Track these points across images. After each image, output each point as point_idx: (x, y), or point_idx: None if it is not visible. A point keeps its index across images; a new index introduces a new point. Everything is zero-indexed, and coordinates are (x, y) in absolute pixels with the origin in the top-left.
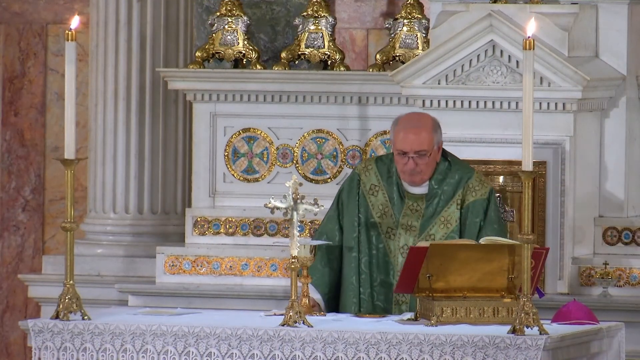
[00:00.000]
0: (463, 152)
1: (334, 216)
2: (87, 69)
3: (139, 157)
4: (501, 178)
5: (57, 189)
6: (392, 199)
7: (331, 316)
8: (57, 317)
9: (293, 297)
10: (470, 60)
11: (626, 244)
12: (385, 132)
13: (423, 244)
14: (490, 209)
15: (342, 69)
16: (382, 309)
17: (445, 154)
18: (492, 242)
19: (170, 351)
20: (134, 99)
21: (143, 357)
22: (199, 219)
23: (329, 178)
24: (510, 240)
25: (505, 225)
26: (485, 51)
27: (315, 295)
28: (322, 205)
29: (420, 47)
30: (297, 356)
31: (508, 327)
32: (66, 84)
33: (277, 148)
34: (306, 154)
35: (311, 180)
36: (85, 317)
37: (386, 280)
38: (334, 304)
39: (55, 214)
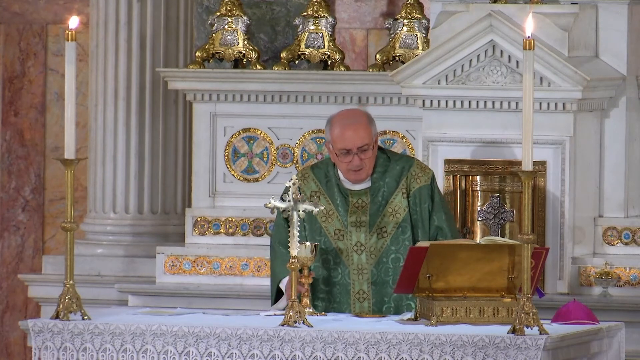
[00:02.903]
0: (463, 152)
1: (284, 225)
2: (87, 69)
3: (139, 157)
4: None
5: (57, 189)
6: (335, 200)
7: (331, 316)
8: (57, 317)
9: (293, 297)
10: (470, 60)
11: (626, 244)
12: (385, 132)
13: (423, 244)
14: (434, 194)
15: (342, 69)
16: (338, 312)
17: (381, 149)
18: (492, 242)
19: (170, 351)
20: (134, 99)
21: (143, 357)
22: (199, 219)
23: None
24: (510, 240)
25: (450, 209)
26: (485, 51)
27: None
28: (322, 206)
29: (420, 47)
30: (297, 356)
31: (508, 327)
32: (66, 84)
33: (277, 148)
34: (306, 154)
35: None
36: (85, 317)
37: (341, 282)
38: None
39: (55, 214)
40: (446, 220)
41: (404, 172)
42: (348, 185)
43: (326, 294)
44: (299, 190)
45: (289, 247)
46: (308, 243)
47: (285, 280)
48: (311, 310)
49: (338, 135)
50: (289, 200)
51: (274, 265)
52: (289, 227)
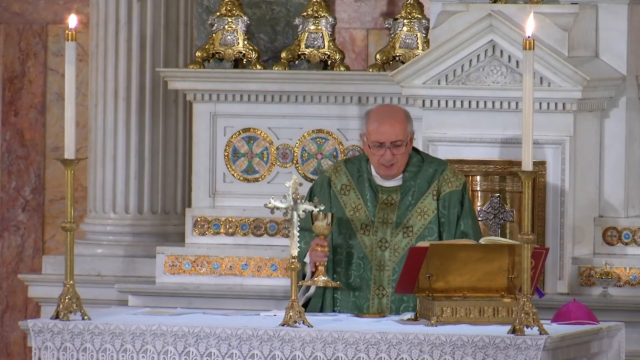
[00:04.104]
0: (463, 152)
1: (308, 215)
2: (87, 69)
3: (139, 157)
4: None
5: (57, 189)
6: (365, 195)
7: (331, 316)
8: (57, 317)
9: (293, 297)
10: (470, 60)
11: (626, 244)
12: None
13: (423, 244)
14: (465, 200)
15: (342, 69)
16: (357, 306)
17: (415, 149)
18: (492, 242)
19: (170, 351)
20: (134, 99)
21: (143, 357)
22: (199, 219)
23: None
24: (510, 240)
25: (476, 217)
26: (485, 51)
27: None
28: (323, 206)
29: (420, 47)
30: (297, 356)
31: (508, 327)
32: (66, 84)
33: (277, 148)
34: (306, 154)
35: (311, 180)
36: (85, 317)
37: (363, 276)
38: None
39: (55, 214)
40: (472, 226)
41: (436, 175)
42: (379, 181)
43: (347, 286)
44: (330, 184)
45: (311, 227)
46: (326, 214)
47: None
48: (326, 278)
49: (374, 128)
50: (289, 200)
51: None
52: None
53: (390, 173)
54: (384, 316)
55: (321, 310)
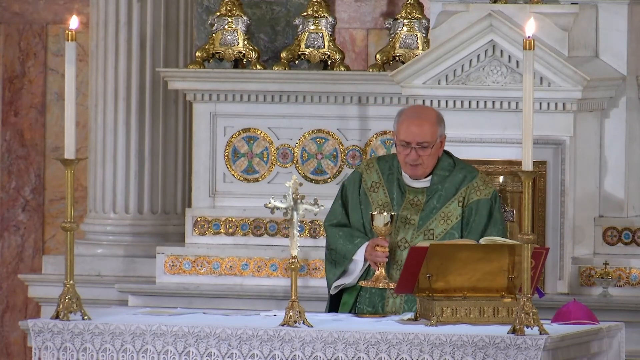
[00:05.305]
0: (463, 152)
1: (340, 210)
2: (87, 69)
3: (139, 157)
4: (501, 178)
5: (57, 189)
6: (392, 194)
7: (331, 316)
8: (57, 317)
9: (293, 297)
10: (470, 60)
11: (626, 244)
12: (385, 132)
13: (423, 244)
14: (494, 210)
15: (342, 69)
16: (372, 304)
17: (449, 154)
18: (492, 242)
19: (170, 351)
20: (134, 99)
21: (143, 357)
22: (199, 219)
23: (329, 178)
24: (510, 240)
25: (506, 228)
26: (485, 51)
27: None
28: (322, 205)
29: (420, 47)
30: (297, 356)
31: (508, 327)
32: (66, 84)
33: (277, 148)
34: (306, 154)
35: (311, 180)
36: (85, 317)
37: None
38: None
39: (55, 214)
40: (503, 234)
41: (465, 182)
42: (408, 181)
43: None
44: (361, 180)
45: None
46: (385, 213)
47: (360, 252)
48: (387, 280)
49: (403, 127)
50: (289, 200)
51: (338, 246)
52: (344, 208)
53: (415, 173)
54: (384, 316)
55: (353, 304)
